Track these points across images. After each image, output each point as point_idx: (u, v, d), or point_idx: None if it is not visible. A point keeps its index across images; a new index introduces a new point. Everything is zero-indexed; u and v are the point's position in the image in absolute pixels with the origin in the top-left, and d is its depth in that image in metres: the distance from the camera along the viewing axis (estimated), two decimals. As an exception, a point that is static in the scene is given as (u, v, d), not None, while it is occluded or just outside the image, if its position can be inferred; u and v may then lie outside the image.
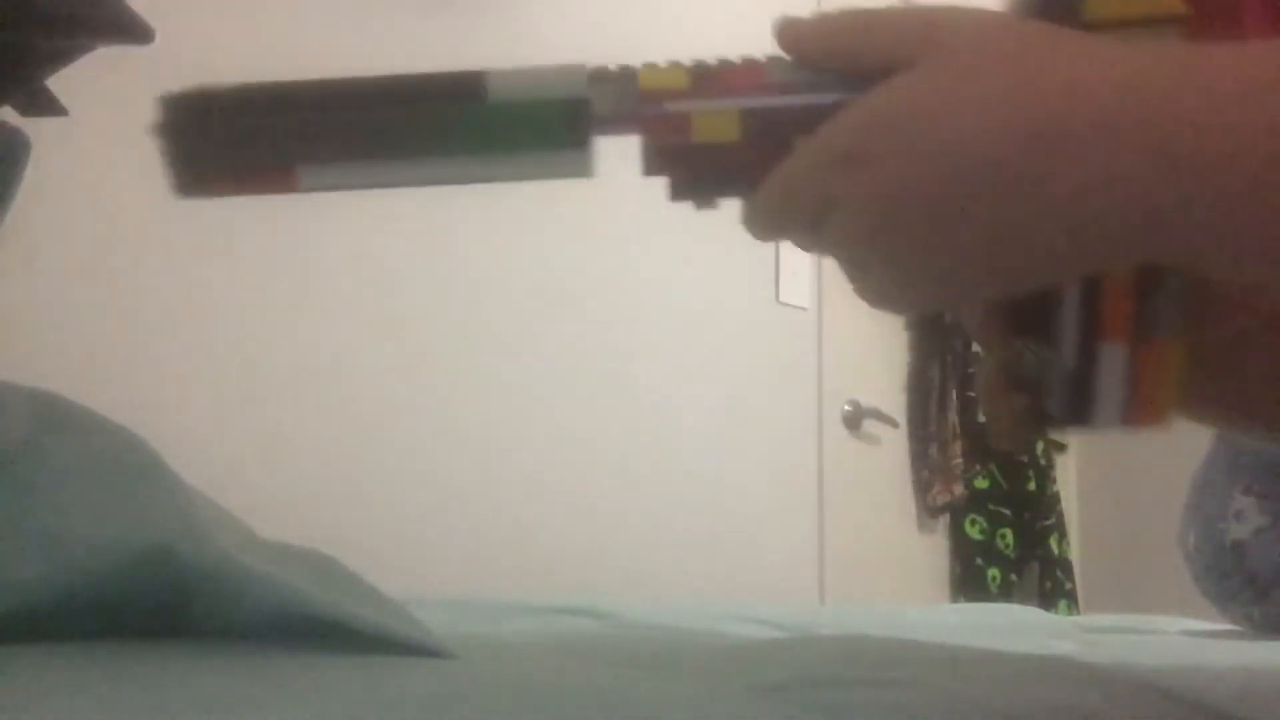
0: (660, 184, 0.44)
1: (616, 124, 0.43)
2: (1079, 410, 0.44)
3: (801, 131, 0.42)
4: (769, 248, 2.24)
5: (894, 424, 2.51)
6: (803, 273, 2.30)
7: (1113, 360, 0.43)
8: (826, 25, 0.43)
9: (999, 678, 0.59)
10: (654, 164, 0.44)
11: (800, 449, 2.34)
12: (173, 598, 0.40)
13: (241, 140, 0.43)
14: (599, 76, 0.43)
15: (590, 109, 0.43)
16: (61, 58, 0.54)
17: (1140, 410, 0.44)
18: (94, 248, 1.44)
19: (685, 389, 2.10)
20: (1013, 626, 1.35)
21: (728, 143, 0.43)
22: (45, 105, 0.55)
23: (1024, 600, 2.54)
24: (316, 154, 0.43)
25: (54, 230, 1.37)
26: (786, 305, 2.29)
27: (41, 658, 0.35)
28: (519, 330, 1.89)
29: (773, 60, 0.44)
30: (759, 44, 0.46)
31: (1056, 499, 2.76)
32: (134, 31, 0.53)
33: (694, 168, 0.43)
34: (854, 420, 2.45)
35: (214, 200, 0.44)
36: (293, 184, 0.43)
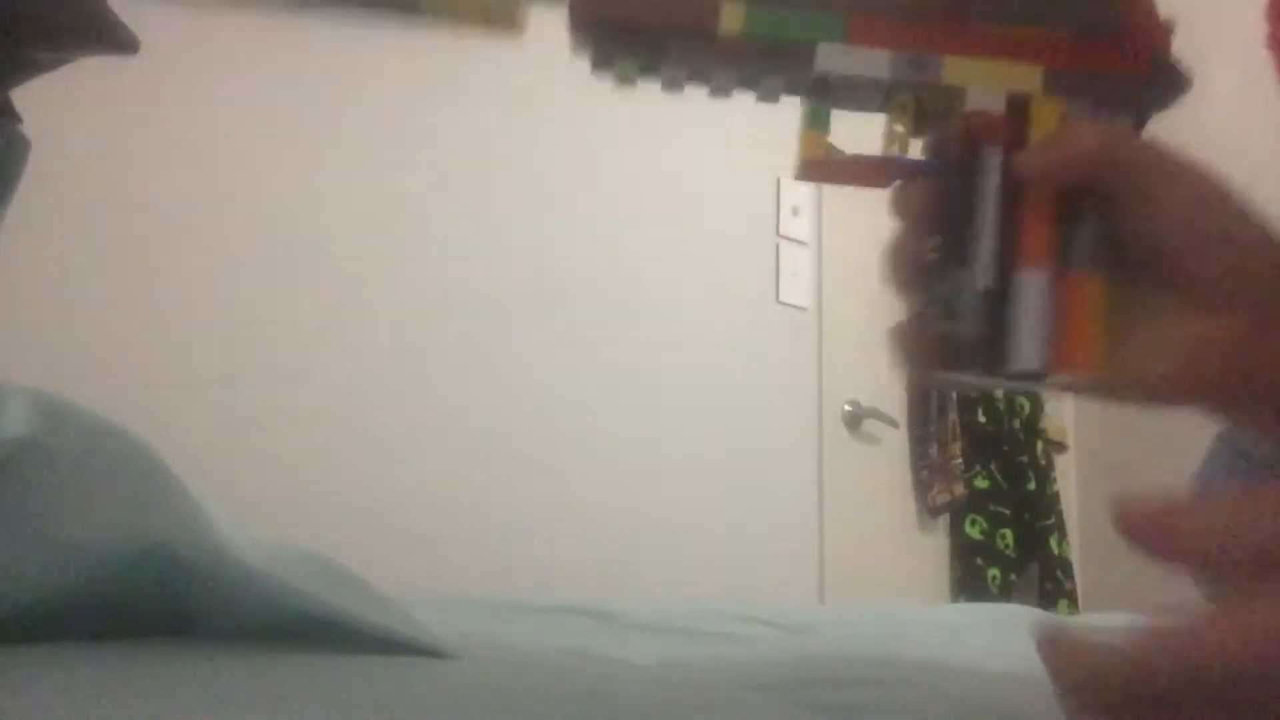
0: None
1: None
2: (992, 341, 0.41)
3: None
4: (769, 248, 2.24)
5: (894, 424, 2.51)
6: (803, 273, 2.29)
7: (1031, 287, 0.41)
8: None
9: (999, 678, 0.59)
10: (579, 23, 0.43)
11: (800, 448, 2.34)
12: (173, 597, 0.40)
13: None
14: None
15: None
16: (41, 68, 0.54)
17: (1065, 347, 0.41)
18: (94, 248, 1.44)
19: (685, 389, 2.10)
20: (1013, 626, 1.35)
21: None
22: (4, 113, 0.54)
23: (1024, 600, 2.54)
24: None
25: (54, 230, 1.37)
26: (786, 305, 2.29)
27: (41, 658, 0.35)
28: (517, 330, 1.89)
29: None
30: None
31: (1056, 499, 2.76)
32: (120, 42, 0.53)
33: (619, 21, 0.42)
34: (854, 420, 2.45)
35: None
36: None
